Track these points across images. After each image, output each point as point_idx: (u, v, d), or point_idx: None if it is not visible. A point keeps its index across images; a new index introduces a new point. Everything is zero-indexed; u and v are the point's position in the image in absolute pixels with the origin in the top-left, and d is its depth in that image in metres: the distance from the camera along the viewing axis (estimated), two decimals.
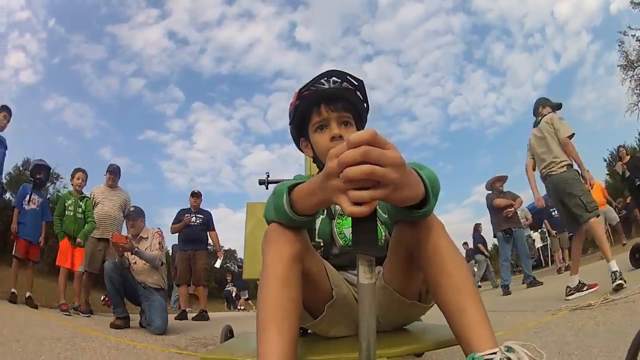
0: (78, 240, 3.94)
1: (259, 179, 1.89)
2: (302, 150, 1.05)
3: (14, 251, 3.91)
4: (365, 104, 0.98)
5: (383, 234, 0.97)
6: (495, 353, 0.59)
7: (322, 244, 0.98)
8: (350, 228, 0.98)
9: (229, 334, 1.45)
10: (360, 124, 0.99)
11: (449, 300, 0.68)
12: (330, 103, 0.93)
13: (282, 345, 0.64)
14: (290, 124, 1.03)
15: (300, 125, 1.00)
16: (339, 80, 0.94)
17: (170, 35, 31.59)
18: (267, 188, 1.89)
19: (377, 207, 0.56)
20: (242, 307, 10.14)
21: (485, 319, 0.65)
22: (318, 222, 1.00)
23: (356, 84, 0.95)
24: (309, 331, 1.03)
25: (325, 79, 0.94)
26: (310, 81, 0.94)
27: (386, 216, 0.95)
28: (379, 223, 0.94)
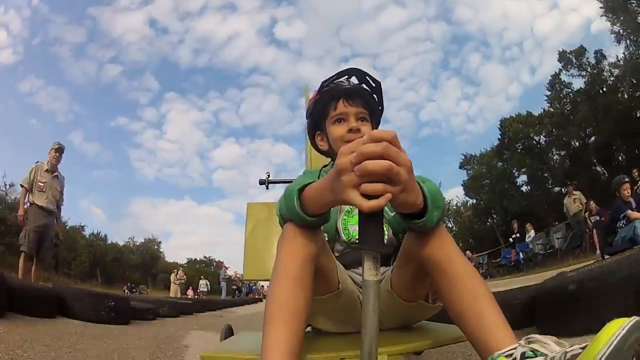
0: None
1: (260, 179, 1.88)
2: (314, 145, 1.08)
3: None
4: (380, 107, 1.01)
5: (386, 232, 0.98)
6: (515, 348, 0.57)
7: (326, 239, 0.99)
8: (355, 225, 1.00)
9: (228, 332, 1.46)
10: (375, 124, 1.02)
11: (465, 305, 0.67)
12: (349, 99, 0.97)
13: (287, 342, 0.64)
14: (307, 117, 1.07)
15: (318, 119, 1.03)
16: (358, 82, 0.98)
17: (151, 23, 31.15)
18: (267, 188, 1.88)
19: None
20: None
21: (503, 321, 0.64)
22: None
23: (374, 85, 0.98)
24: (310, 329, 1.03)
25: (346, 77, 0.98)
26: (331, 77, 0.98)
27: (392, 214, 0.96)
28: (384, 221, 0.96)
